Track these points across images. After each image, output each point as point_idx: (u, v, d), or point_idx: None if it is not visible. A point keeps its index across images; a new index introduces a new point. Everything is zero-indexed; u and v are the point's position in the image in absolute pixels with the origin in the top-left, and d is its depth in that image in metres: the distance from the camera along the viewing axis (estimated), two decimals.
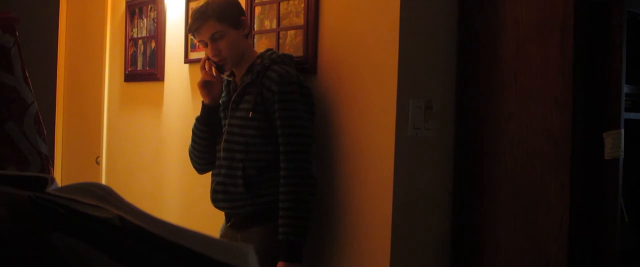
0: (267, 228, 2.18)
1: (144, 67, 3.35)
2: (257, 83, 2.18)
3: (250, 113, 2.16)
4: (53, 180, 0.57)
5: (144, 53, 3.35)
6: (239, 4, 2.29)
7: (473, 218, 2.28)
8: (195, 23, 2.20)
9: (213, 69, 2.32)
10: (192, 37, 2.89)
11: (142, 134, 3.40)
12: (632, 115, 2.23)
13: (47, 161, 1.28)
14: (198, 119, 2.36)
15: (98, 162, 3.73)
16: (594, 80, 2.09)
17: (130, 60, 3.46)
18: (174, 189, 3.14)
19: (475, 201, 2.27)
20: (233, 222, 2.28)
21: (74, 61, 4.07)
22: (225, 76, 2.33)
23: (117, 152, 3.64)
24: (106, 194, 0.55)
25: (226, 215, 2.33)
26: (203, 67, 2.32)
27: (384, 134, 2.14)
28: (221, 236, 2.33)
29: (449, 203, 2.33)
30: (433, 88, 2.26)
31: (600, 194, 2.09)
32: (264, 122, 2.16)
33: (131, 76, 3.46)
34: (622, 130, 2.08)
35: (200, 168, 2.43)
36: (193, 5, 2.87)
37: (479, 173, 2.26)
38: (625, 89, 2.12)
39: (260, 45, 2.57)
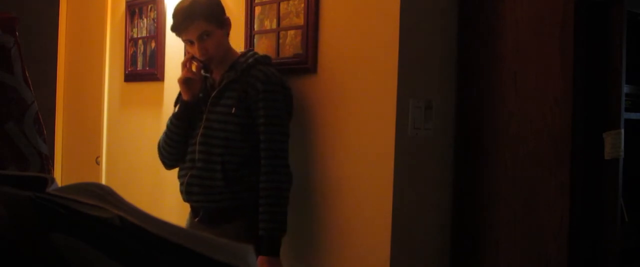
0: (239, 225, 2.22)
1: (144, 67, 3.35)
2: (241, 80, 2.23)
3: (234, 109, 2.20)
4: (53, 180, 0.57)
5: (144, 53, 3.35)
6: (221, 3, 2.33)
7: (473, 218, 2.28)
8: (183, 22, 2.22)
9: (193, 67, 2.34)
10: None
11: (142, 134, 3.40)
12: (632, 115, 2.23)
13: (47, 161, 1.28)
14: (176, 116, 2.37)
15: (98, 162, 3.73)
16: (594, 80, 2.09)
17: (130, 60, 3.46)
18: (174, 189, 3.13)
19: (475, 201, 2.27)
20: (202, 217, 2.29)
21: (74, 61, 4.07)
22: (203, 72, 2.35)
23: (117, 152, 3.63)
24: (106, 194, 0.55)
25: (194, 209, 2.35)
26: (185, 65, 2.34)
27: (384, 134, 2.14)
28: None
29: (449, 203, 2.33)
30: (433, 88, 2.26)
31: (600, 194, 2.09)
32: (245, 118, 2.21)
33: (131, 76, 3.46)
34: (622, 130, 2.08)
35: (171, 164, 2.46)
36: None
37: (479, 173, 2.26)
38: (625, 89, 2.12)
39: (260, 45, 2.57)
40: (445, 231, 2.33)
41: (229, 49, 2.34)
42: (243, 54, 2.32)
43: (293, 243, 2.42)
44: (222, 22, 2.28)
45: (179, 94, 2.40)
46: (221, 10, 2.30)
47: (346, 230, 2.26)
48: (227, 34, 2.33)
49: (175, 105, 2.43)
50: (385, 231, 2.13)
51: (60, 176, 4.08)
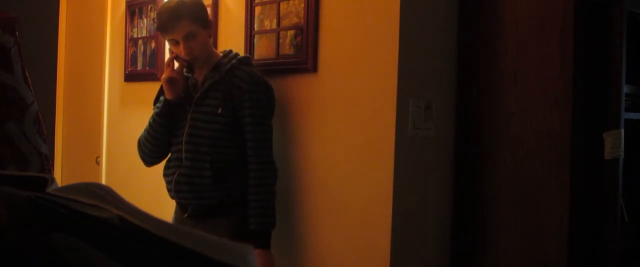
0: (229, 220, 2.26)
1: (144, 67, 3.35)
2: (225, 81, 2.27)
3: (220, 109, 2.25)
4: (53, 180, 0.57)
5: (144, 53, 3.35)
6: (205, 5, 2.39)
7: (473, 218, 2.28)
8: (170, 22, 2.26)
9: (176, 66, 2.36)
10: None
11: None
12: (632, 115, 2.23)
13: (47, 161, 1.28)
14: (158, 115, 2.39)
15: (98, 162, 3.73)
16: (594, 80, 2.09)
17: (130, 60, 3.46)
18: None
19: (475, 201, 2.27)
20: (191, 213, 2.32)
21: (74, 61, 4.07)
22: (185, 72, 2.38)
23: (117, 152, 3.63)
24: (106, 194, 0.55)
25: (182, 206, 2.38)
26: (169, 65, 2.36)
27: (384, 134, 2.14)
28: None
29: (449, 204, 2.33)
30: (433, 88, 2.26)
31: (600, 194, 2.09)
32: (231, 118, 2.25)
33: (131, 76, 3.46)
34: (622, 130, 2.08)
35: (151, 161, 2.50)
36: None
37: (479, 173, 2.26)
38: (625, 89, 2.12)
39: (261, 45, 2.58)
40: (445, 231, 2.33)
41: (211, 50, 2.39)
42: (225, 55, 2.36)
43: (294, 243, 2.42)
44: (207, 23, 2.33)
45: (159, 93, 2.44)
46: (206, 11, 2.36)
47: (346, 230, 2.26)
48: (211, 35, 2.39)
49: (154, 104, 2.45)
50: (385, 231, 2.13)
51: (60, 176, 4.08)
